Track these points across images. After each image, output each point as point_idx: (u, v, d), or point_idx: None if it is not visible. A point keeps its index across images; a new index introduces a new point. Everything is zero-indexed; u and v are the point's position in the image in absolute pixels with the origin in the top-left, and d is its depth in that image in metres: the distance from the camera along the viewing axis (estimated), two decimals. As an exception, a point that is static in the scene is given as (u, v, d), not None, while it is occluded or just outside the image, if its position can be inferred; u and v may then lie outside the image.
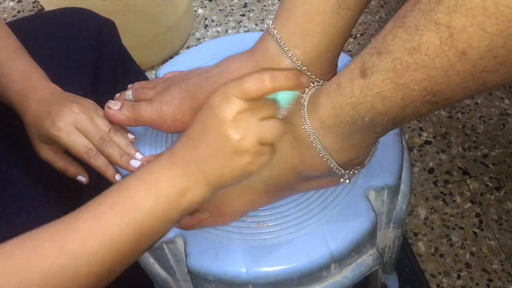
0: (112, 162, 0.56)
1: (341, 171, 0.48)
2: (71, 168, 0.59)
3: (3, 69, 0.60)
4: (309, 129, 0.46)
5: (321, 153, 0.46)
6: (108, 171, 0.57)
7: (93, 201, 0.41)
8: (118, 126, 0.58)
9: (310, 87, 0.51)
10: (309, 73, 0.51)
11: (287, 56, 0.51)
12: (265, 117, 0.42)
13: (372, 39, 0.41)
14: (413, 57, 0.36)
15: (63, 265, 0.39)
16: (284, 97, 0.43)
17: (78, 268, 0.39)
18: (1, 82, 0.60)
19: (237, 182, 0.44)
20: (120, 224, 0.40)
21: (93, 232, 0.40)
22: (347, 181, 0.50)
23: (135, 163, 0.56)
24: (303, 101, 0.47)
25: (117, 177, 0.57)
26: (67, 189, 0.64)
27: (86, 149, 0.55)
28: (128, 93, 0.58)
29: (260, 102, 0.42)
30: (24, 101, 0.58)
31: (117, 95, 0.59)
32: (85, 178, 0.59)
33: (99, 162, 0.56)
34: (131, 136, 0.59)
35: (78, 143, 0.55)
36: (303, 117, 0.46)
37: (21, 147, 0.64)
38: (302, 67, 0.51)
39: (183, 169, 0.42)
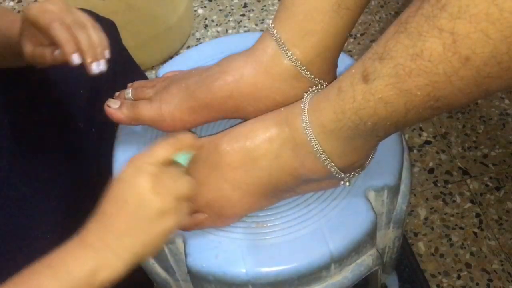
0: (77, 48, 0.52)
1: (341, 174, 0.48)
2: (49, 57, 0.54)
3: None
4: (310, 133, 0.46)
5: (321, 158, 0.46)
6: (68, 46, 0.51)
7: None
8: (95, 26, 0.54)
9: (309, 91, 0.51)
10: (308, 73, 0.51)
11: (286, 55, 0.50)
12: (176, 176, 0.45)
13: (373, 44, 0.41)
14: (416, 63, 0.36)
15: None
16: (185, 158, 0.47)
17: None
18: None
19: (155, 251, 0.45)
20: None
21: None
22: (347, 183, 0.51)
23: (102, 64, 0.52)
24: (303, 106, 0.47)
25: (75, 57, 0.52)
26: (66, 184, 0.64)
27: (55, 19, 0.52)
28: (128, 92, 0.58)
29: (168, 165, 0.45)
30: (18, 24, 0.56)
31: (117, 93, 0.59)
32: (77, 55, 0.52)
33: (63, 34, 0.51)
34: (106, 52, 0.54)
35: (47, 14, 0.52)
36: (304, 121, 0.46)
37: (20, 141, 0.64)
38: (301, 67, 0.51)
39: (98, 249, 0.42)
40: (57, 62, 0.54)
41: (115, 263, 0.42)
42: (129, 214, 0.42)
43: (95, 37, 0.53)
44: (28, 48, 0.56)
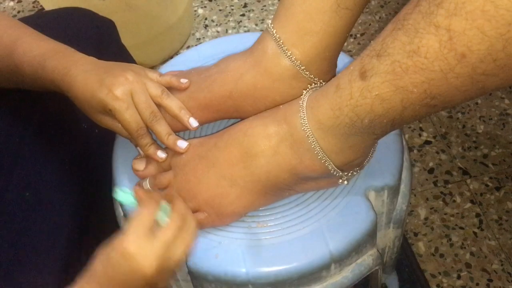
0: (159, 139, 0.55)
1: (339, 172, 0.48)
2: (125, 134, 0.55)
3: (33, 50, 0.57)
4: (308, 130, 0.46)
5: (319, 155, 0.46)
6: (151, 150, 0.54)
7: None
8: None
9: (308, 88, 0.51)
10: (307, 73, 0.51)
11: (285, 55, 0.51)
12: (170, 249, 0.44)
13: (371, 41, 0.41)
14: (412, 59, 0.36)
15: None
16: (162, 215, 0.46)
17: None
18: (34, 62, 0.56)
19: None
20: None
21: None
22: (346, 182, 0.51)
23: (182, 144, 0.54)
24: (302, 103, 0.47)
25: (160, 154, 0.55)
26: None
27: (138, 127, 0.53)
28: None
29: (152, 235, 0.44)
30: (66, 74, 0.54)
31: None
32: (165, 155, 0.55)
33: (145, 141, 0.54)
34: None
35: (132, 119, 0.53)
36: (302, 118, 0.46)
37: (22, 143, 0.64)
38: (300, 67, 0.51)
39: None
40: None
41: None
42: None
43: (174, 104, 0.55)
44: (108, 122, 0.55)
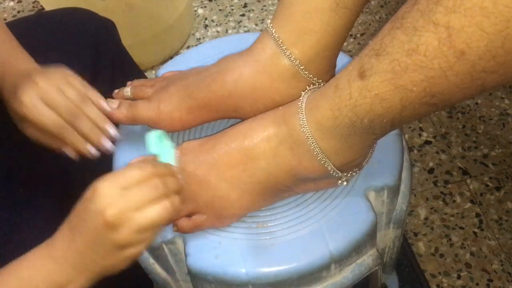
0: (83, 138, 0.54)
1: (338, 173, 0.48)
2: (55, 143, 0.56)
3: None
4: (307, 131, 0.46)
5: (318, 156, 0.46)
6: (80, 146, 0.54)
7: None
8: (94, 93, 0.56)
9: (307, 89, 0.51)
10: (307, 72, 0.51)
11: (285, 55, 0.50)
12: (140, 204, 0.42)
13: (370, 41, 0.41)
14: (411, 58, 0.36)
15: None
16: (158, 134, 0.47)
17: None
18: None
19: (120, 270, 0.44)
20: None
21: None
22: (345, 183, 0.50)
23: (106, 143, 0.54)
24: (301, 104, 0.47)
25: (92, 150, 0.54)
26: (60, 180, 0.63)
27: (55, 124, 0.53)
28: (127, 90, 0.58)
29: (134, 188, 0.42)
30: (1, 85, 0.55)
31: (116, 91, 0.58)
32: (72, 152, 0.55)
33: (71, 138, 0.53)
34: (104, 105, 0.55)
35: (45, 118, 0.52)
36: (301, 120, 0.46)
37: (21, 141, 0.64)
38: (300, 66, 0.51)
39: (61, 264, 0.42)
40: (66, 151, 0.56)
41: (78, 279, 0.43)
42: (89, 238, 0.42)
43: (93, 112, 0.55)
44: (29, 131, 0.55)
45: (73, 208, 0.43)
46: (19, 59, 0.59)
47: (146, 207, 0.42)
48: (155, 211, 0.43)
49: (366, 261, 0.56)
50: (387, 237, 0.62)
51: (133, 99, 0.57)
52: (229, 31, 1.46)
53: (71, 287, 0.43)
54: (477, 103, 1.23)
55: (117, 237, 0.42)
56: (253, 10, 1.50)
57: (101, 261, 0.43)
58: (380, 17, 1.43)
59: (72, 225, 0.43)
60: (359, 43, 1.37)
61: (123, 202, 0.41)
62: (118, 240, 0.42)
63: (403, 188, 0.60)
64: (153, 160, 0.47)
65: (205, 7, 1.52)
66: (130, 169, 0.43)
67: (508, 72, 0.34)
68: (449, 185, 1.11)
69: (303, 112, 0.46)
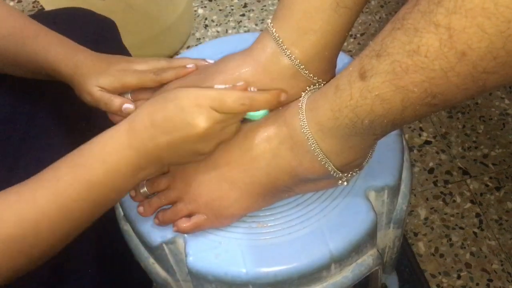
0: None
1: (339, 174, 0.48)
2: (116, 99, 0.59)
3: (39, 38, 0.60)
4: (308, 132, 0.46)
5: (319, 156, 0.46)
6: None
7: (59, 162, 0.47)
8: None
9: (307, 90, 0.51)
10: (307, 72, 0.51)
11: (285, 54, 0.50)
12: (228, 124, 0.48)
13: (370, 42, 0.41)
14: (412, 59, 0.36)
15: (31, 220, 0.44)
16: (256, 115, 0.50)
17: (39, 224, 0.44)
18: (37, 49, 0.59)
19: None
20: (75, 193, 0.45)
21: (50, 196, 0.45)
22: (345, 183, 0.50)
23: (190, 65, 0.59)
24: (301, 104, 0.47)
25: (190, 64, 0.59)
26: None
27: (151, 69, 0.58)
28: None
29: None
30: (73, 58, 0.58)
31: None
32: (132, 105, 0.59)
33: (168, 75, 0.58)
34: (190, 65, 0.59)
35: (145, 66, 0.59)
36: (302, 120, 0.46)
37: (22, 141, 0.64)
38: (300, 66, 0.51)
39: (140, 152, 0.47)
40: (122, 114, 0.58)
41: (155, 165, 0.48)
42: (174, 141, 0.46)
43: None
44: (97, 92, 0.58)
45: (158, 107, 0.47)
46: (73, 42, 0.62)
47: (230, 127, 0.49)
48: (232, 130, 0.49)
49: (366, 261, 0.56)
50: (387, 237, 0.62)
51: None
52: (229, 31, 1.46)
53: (145, 172, 0.48)
54: (477, 103, 1.23)
55: (201, 146, 0.48)
56: (253, 10, 1.50)
57: (176, 160, 0.49)
58: (380, 17, 1.43)
59: (157, 123, 0.46)
60: (359, 43, 1.37)
61: (221, 121, 0.47)
62: (202, 150, 0.48)
63: (403, 188, 0.60)
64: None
65: (205, 7, 1.52)
66: (227, 95, 0.47)
67: (509, 73, 0.34)
68: (449, 185, 1.11)
69: (304, 113, 0.46)
